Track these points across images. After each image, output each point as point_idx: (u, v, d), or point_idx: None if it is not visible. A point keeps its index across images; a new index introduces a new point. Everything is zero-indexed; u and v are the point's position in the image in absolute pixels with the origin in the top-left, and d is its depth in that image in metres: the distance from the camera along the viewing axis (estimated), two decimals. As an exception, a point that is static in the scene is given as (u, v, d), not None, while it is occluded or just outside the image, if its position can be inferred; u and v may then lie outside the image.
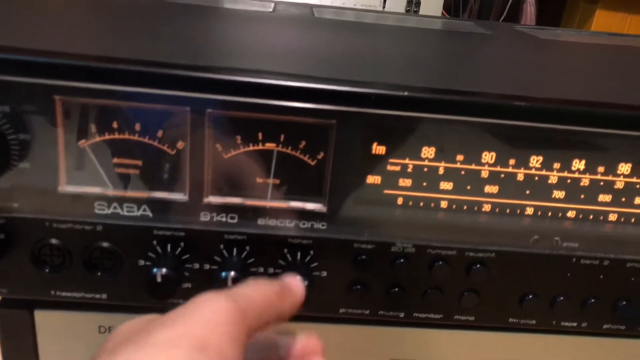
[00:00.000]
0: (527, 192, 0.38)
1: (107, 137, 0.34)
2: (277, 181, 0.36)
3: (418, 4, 1.41)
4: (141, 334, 0.23)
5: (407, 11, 1.40)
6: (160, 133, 0.35)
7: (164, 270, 0.35)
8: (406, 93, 0.34)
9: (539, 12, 1.76)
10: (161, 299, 0.35)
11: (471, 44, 0.59)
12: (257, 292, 0.28)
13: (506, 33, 0.71)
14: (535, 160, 0.37)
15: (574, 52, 0.62)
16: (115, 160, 0.35)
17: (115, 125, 0.34)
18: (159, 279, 0.34)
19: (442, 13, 1.47)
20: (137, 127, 0.34)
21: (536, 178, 0.38)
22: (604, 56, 0.61)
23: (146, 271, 0.35)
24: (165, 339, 0.23)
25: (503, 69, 0.47)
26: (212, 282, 0.36)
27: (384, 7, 1.39)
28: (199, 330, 0.23)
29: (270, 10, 0.64)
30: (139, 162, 0.35)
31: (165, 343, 0.23)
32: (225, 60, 0.39)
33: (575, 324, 0.41)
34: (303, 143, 0.35)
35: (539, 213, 0.39)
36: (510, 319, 0.41)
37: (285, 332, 0.30)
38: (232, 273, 0.36)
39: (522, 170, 0.37)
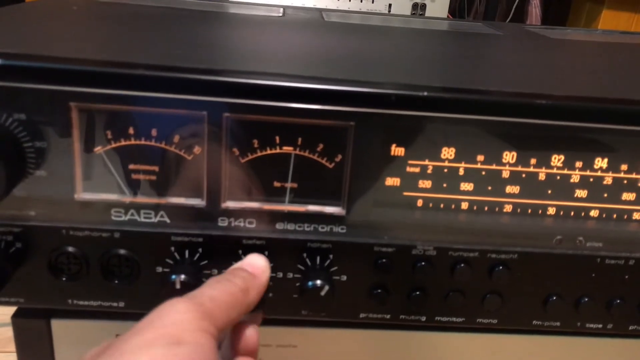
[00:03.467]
0: (549, 191, 0.37)
1: (123, 143, 0.34)
2: (295, 185, 0.36)
3: (424, 8, 1.40)
4: (112, 348, 0.23)
5: (413, 14, 1.40)
6: (176, 138, 0.34)
7: (182, 276, 0.34)
8: (425, 93, 0.34)
9: (544, 14, 1.76)
10: (180, 306, 0.34)
11: (483, 44, 0.59)
12: (220, 291, 0.28)
13: (516, 33, 0.71)
14: (557, 159, 0.37)
15: (587, 50, 0.61)
16: (132, 166, 0.35)
17: (131, 131, 0.34)
18: (177, 286, 0.34)
19: (448, 16, 1.47)
20: (154, 132, 0.34)
21: (558, 177, 0.37)
22: (619, 54, 0.60)
23: (164, 278, 0.35)
24: (139, 343, 0.23)
25: (519, 68, 0.47)
26: (231, 288, 0.36)
27: (389, 12, 1.39)
28: (171, 330, 0.24)
29: (280, 14, 0.64)
30: (156, 168, 0.35)
31: (140, 347, 0.23)
32: (240, 64, 0.39)
33: (600, 326, 0.40)
34: (321, 146, 0.35)
35: (562, 213, 0.38)
36: (534, 322, 0.40)
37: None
38: (252, 279, 0.35)
39: (543, 169, 0.37)
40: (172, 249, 0.36)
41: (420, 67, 0.43)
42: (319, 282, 0.35)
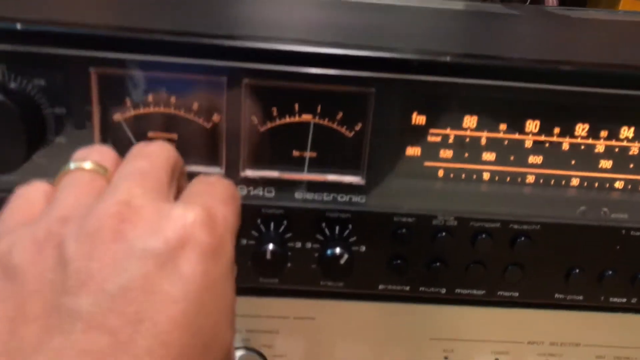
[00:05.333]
0: (573, 162, 0.37)
1: (142, 110, 0.34)
2: (314, 154, 0.36)
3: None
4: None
5: None
6: (196, 105, 0.34)
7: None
8: (448, 58, 0.33)
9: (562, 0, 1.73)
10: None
11: (503, 22, 0.58)
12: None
13: (536, 13, 0.70)
14: (581, 129, 0.36)
15: (611, 28, 0.60)
16: (151, 134, 0.35)
17: (150, 98, 0.34)
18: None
19: None
20: (173, 100, 0.34)
21: (582, 147, 0.36)
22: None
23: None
24: None
25: (541, 41, 0.46)
26: (249, 257, 0.36)
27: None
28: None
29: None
30: (175, 136, 0.35)
31: None
32: (259, 31, 0.38)
33: (624, 300, 0.39)
34: (340, 114, 0.35)
35: (586, 184, 0.37)
36: (556, 295, 0.39)
37: None
38: (270, 247, 0.35)
39: (567, 139, 0.36)
40: (191, 217, 0.36)
41: (440, 38, 0.43)
42: (338, 250, 0.35)
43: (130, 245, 0.20)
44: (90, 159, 0.24)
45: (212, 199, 0.24)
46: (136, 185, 0.23)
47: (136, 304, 0.19)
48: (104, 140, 0.34)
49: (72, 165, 0.24)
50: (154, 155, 0.25)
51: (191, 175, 0.35)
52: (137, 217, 0.21)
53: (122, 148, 0.34)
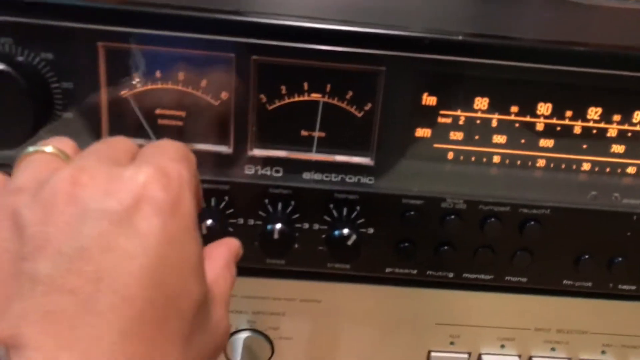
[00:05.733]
0: (585, 146, 0.36)
1: (150, 86, 0.34)
2: (323, 134, 0.35)
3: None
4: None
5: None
6: (204, 82, 0.34)
7: (209, 221, 0.34)
8: (460, 37, 0.33)
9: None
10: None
11: (514, 6, 0.57)
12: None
13: (546, 0, 0.69)
14: (594, 112, 0.35)
15: (625, 15, 0.59)
16: (158, 111, 0.34)
17: (158, 74, 0.33)
18: (204, 231, 0.34)
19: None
20: (181, 76, 0.33)
21: (594, 131, 0.36)
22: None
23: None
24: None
25: (554, 24, 0.45)
26: (256, 237, 0.35)
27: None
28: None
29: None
30: (182, 113, 0.34)
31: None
32: (269, 7, 0.38)
33: (634, 287, 0.39)
34: (350, 93, 0.34)
35: (597, 168, 0.37)
36: (564, 281, 0.39)
37: None
38: (277, 227, 0.35)
39: (579, 122, 0.36)
40: (198, 196, 0.35)
41: (451, 18, 0.42)
42: (346, 231, 0.35)
43: (85, 207, 0.20)
44: (51, 144, 0.25)
45: (164, 157, 0.24)
46: (92, 158, 0.23)
47: (94, 263, 0.19)
48: (111, 115, 0.34)
49: (31, 149, 0.24)
50: (114, 140, 0.26)
51: (199, 154, 0.35)
52: (91, 180, 0.21)
53: (129, 124, 0.34)
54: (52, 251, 0.20)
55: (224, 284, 0.27)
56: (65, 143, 0.25)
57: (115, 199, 0.21)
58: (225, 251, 0.29)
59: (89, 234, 0.20)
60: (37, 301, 0.19)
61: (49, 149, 0.24)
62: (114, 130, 0.34)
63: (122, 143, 0.26)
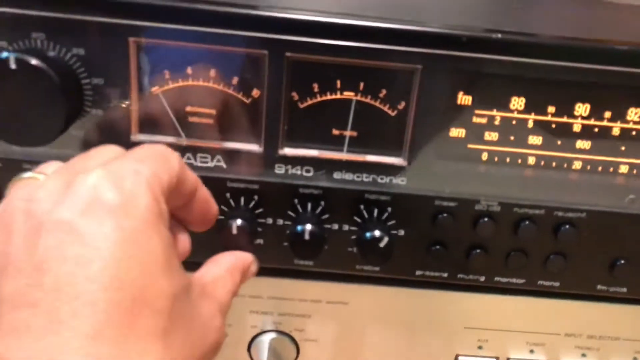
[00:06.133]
0: (623, 148, 0.35)
1: (181, 83, 0.33)
2: (355, 133, 0.35)
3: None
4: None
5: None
6: (235, 80, 0.33)
7: (239, 221, 0.33)
8: (499, 35, 0.32)
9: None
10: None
11: (545, 6, 0.56)
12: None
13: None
14: (634, 114, 0.34)
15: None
16: (189, 108, 0.34)
17: (189, 71, 0.33)
18: (234, 231, 0.33)
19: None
20: (212, 73, 0.33)
21: (633, 133, 0.35)
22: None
23: (220, 223, 0.34)
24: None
25: (590, 22, 0.44)
26: (285, 237, 0.35)
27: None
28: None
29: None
30: (213, 111, 0.34)
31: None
32: (303, 3, 0.37)
33: (671, 294, 0.38)
34: (384, 92, 0.33)
35: (635, 171, 0.36)
36: (598, 286, 0.38)
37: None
38: (308, 227, 0.34)
39: (618, 124, 0.35)
40: (228, 195, 0.35)
41: (485, 17, 0.41)
42: (378, 233, 0.34)
43: (39, 220, 0.21)
44: (33, 170, 0.25)
45: (125, 159, 0.24)
46: (57, 172, 0.24)
47: (52, 274, 0.20)
48: (141, 112, 0.33)
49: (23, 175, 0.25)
50: (96, 150, 0.26)
51: (231, 154, 0.34)
52: (45, 194, 0.22)
53: (158, 121, 0.34)
54: (12, 270, 0.20)
55: (222, 287, 0.27)
56: (48, 166, 0.25)
57: (65, 207, 0.21)
58: (232, 260, 0.29)
59: (45, 246, 0.20)
60: (2, 320, 0.20)
61: (27, 174, 0.24)
62: (144, 128, 0.34)
63: (104, 152, 0.25)
